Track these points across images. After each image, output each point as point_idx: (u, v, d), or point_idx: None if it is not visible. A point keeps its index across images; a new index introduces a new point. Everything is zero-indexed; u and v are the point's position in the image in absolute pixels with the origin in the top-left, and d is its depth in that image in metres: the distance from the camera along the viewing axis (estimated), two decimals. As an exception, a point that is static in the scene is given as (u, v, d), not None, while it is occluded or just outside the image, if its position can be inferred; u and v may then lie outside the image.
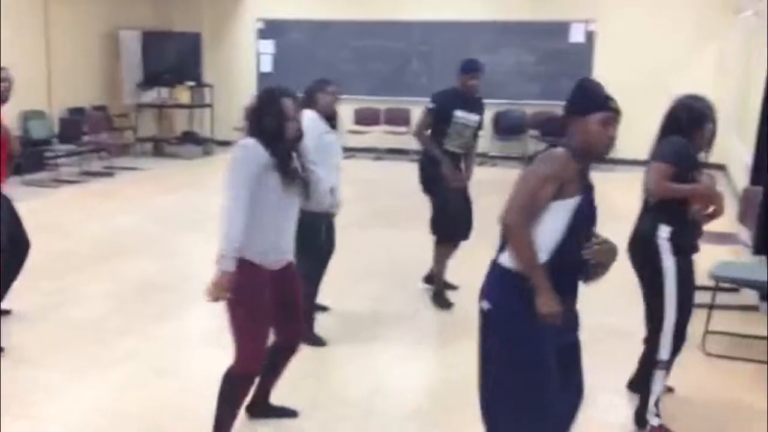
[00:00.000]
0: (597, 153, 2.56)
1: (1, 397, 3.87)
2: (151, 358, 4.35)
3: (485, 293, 2.66)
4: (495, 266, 2.66)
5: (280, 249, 3.21)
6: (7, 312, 4.69)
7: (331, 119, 4.57)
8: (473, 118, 5.25)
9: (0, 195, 4.46)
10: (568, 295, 2.62)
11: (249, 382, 3.29)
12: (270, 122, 3.08)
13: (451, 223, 5.31)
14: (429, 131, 5.32)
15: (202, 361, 4.35)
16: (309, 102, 4.46)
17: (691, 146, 3.42)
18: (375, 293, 5.67)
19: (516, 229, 2.50)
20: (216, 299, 3.00)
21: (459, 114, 5.19)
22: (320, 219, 4.43)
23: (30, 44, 10.71)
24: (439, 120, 5.24)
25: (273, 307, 3.22)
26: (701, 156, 3.46)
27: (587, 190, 2.59)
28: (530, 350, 2.57)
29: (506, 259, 2.60)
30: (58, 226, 7.46)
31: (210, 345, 4.57)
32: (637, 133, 11.32)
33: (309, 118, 4.14)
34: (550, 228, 2.54)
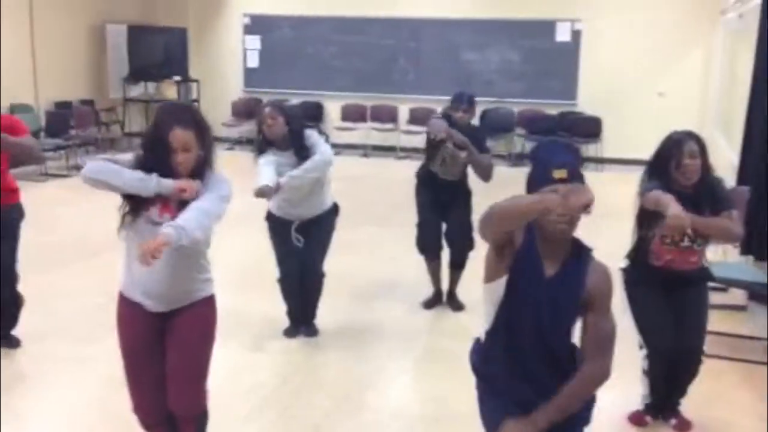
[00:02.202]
0: (549, 234, 2.30)
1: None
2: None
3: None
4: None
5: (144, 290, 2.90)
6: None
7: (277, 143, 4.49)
8: (461, 154, 5.03)
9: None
10: (530, 383, 2.39)
11: (145, 429, 3.08)
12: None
13: (419, 237, 5.33)
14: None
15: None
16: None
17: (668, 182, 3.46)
18: (362, 292, 5.71)
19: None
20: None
21: (449, 145, 5.03)
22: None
23: (16, 37, 10.62)
24: (431, 143, 5.14)
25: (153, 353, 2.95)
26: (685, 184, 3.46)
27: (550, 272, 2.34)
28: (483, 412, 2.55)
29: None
30: (46, 221, 7.42)
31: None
32: (624, 132, 11.48)
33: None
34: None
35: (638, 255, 3.60)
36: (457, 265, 5.30)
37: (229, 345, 4.60)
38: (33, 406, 3.91)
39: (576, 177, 2.26)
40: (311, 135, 4.55)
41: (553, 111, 12.21)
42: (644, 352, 3.66)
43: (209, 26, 13.73)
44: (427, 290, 5.44)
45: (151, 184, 2.74)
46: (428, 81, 12.60)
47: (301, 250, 4.66)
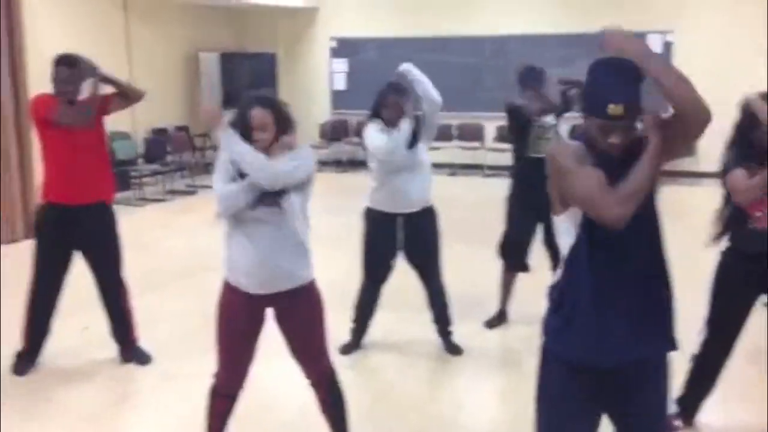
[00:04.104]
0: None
1: (87, 412, 4.03)
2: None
3: None
4: None
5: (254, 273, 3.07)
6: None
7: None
8: (549, 120, 4.99)
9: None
10: (606, 303, 2.27)
11: (219, 400, 3.28)
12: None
13: (506, 247, 5.22)
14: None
15: (283, 374, 4.42)
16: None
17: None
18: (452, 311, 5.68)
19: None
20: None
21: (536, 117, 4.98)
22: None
23: (113, 67, 11.04)
24: (518, 126, 5.07)
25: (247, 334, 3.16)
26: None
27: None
28: (540, 374, 2.48)
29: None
30: (145, 244, 7.71)
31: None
32: (720, 145, 11.07)
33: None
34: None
35: (735, 228, 3.40)
36: None
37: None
38: (141, 422, 4.06)
39: (633, 114, 2.16)
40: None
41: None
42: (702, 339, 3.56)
43: (297, 51, 14.04)
44: (519, 309, 5.36)
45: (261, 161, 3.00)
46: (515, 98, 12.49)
47: (414, 263, 4.65)
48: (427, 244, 4.66)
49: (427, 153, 4.61)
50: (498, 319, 5.35)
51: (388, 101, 4.49)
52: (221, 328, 3.17)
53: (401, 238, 4.58)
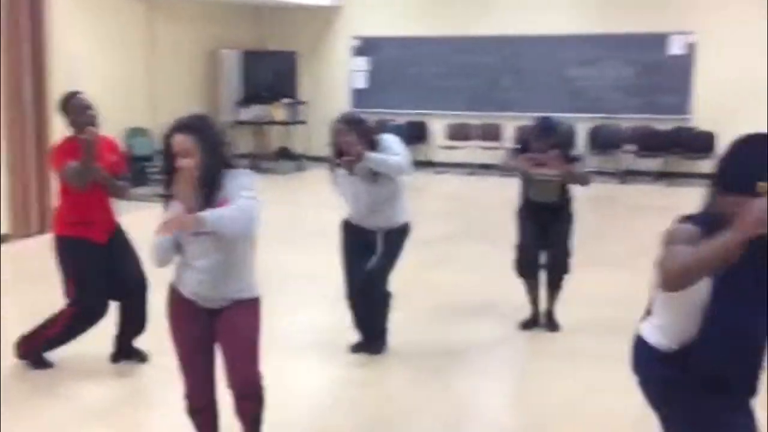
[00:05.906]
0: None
1: (97, 408, 4.02)
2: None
3: (633, 367, 2.47)
4: (637, 338, 2.44)
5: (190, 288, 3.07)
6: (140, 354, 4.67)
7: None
8: (551, 172, 4.94)
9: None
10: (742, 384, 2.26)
11: (193, 417, 3.23)
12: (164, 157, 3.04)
13: (516, 260, 5.22)
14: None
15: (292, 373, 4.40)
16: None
17: None
18: (461, 309, 5.66)
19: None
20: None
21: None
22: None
23: (134, 63, 11.19)
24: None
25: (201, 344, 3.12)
26: None
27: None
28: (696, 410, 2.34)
29: (648, 333, 2.39)
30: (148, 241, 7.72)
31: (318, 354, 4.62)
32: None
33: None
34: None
35: None
36: (554, 286, 5.21)
37: (332, 360, 4.65)
38: (149, 419, 4.06)
39: None
40: (387, 138, 4.50)
41: (665, 126, 11.85)
42: None
43: (318, 49, 14.03)
44: (526, 310, 5.31)
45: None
46: (533, 98, 12.40)
47: (366, 265, 4.62)
48: (379, 259, 4.60)
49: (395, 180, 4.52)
50: (531, 322, 5.29)
51: (336, 132, 4.45)
52: (172, 338, 3.15)
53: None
